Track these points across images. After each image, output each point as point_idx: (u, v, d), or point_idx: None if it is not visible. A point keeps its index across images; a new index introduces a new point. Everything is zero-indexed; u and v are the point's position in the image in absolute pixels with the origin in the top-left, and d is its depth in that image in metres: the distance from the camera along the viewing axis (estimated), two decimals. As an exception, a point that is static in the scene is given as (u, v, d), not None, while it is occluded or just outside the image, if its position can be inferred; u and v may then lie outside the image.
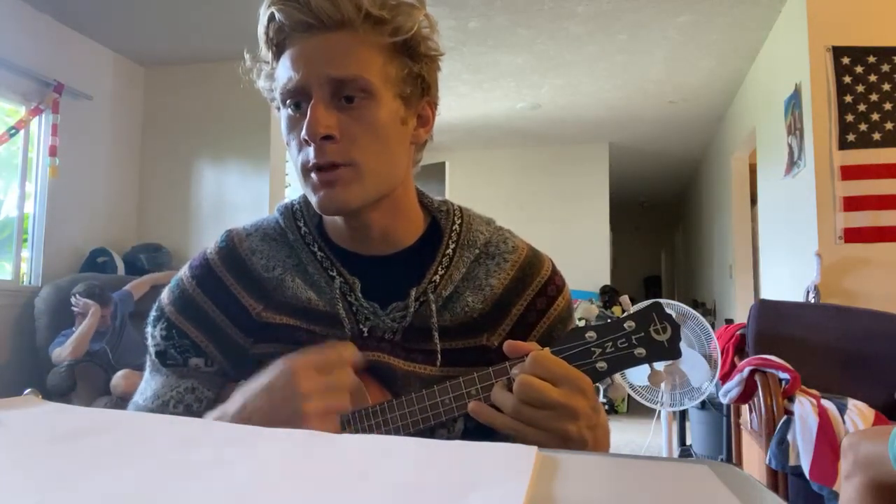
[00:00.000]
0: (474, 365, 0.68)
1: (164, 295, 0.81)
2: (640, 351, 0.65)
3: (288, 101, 0.70)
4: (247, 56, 0.75)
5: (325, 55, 0.68)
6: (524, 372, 0.61)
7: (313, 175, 0.70)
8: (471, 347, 0.77)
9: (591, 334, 0.66)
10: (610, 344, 0.65)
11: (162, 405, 0.77)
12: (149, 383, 0.80)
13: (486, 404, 0.63)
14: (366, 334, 0.76)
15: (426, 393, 0.69)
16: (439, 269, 0.77)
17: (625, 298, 2.75)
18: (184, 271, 0.81)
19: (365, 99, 0.68)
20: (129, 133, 4.26)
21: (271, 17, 0.69)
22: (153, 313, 0.81)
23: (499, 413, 0.62)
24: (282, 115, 0.73)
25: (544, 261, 0.82)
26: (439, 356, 0.75)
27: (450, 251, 0.78)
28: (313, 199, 0.71)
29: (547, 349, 0.65)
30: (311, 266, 0.78)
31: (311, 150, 0.68)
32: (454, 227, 0.80)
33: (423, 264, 0.78)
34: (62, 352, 3.11)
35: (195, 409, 0.77)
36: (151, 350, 0.80)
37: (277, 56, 0.71)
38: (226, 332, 0.77)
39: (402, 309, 0.76)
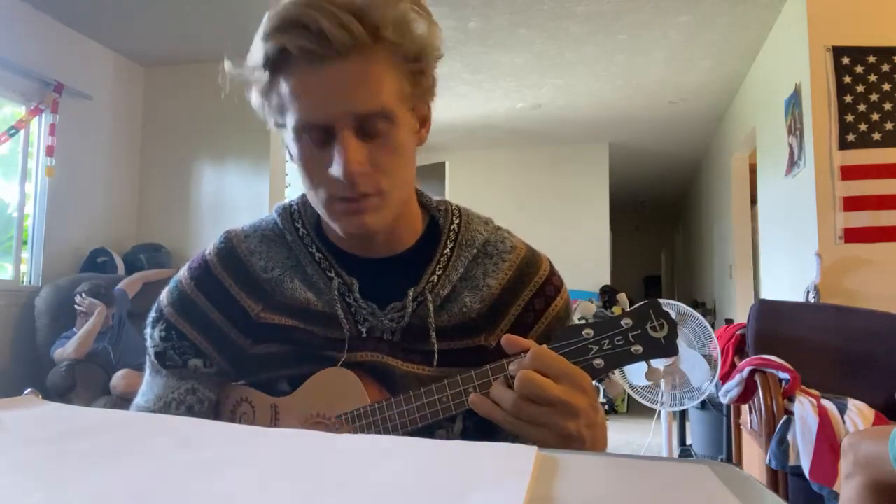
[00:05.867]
0: (472, 365, 0.68)
1: (163, 296, 0.81)
2: (637, 348, 0.65)
3: (304, 134, 0.68)
4: (227, 64, 0.72)
5: (346, 89, 0.65)
6: (525, 367, 0.60)
7: (339, 204, 0.69)
8: (469, 348, 0.76)
9: (588, 331, 0.66)
10: (607, 341, 0.65)
11: (164, 407, 0.77)
12: (150, 385, 0.80)
13: (486, 398, 0.63)
14: (364, 335, 0.76)
15: (424, 391, 0.69)
16: (437, 269, 0.77)
17: (622, 296, 2.76)
18: (182, 273, 0.81)
19: (388, 125, 0.67)
20: (129, 133, 4.25)
21: (280, 49, 0.65)
22: (152, 315, 0.81)
23: (498, 408, 0.61)
24: (292, 140, 0.70)
25: (542, 261, 0.82)
26: (436, 357, 0.75)
27: (448, 251, 0.78)
28: (337, 226, 0.71)
29: (545, 346, 0.64)
30: (309, 267, 0.78)
31: (339, 184, 0.67)
32: (452, 227, 0.80)
33: (421, 264, 0.78)
34: (65, 351, 3.11)
35: (197, 410, 0.77)
36: (151, 351, 0.80)
37: (275, 73, 0.68)
38: (225, 332, 0.78)
39: (399, 309, 0.76)
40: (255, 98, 0.72)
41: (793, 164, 3.22)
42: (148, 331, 0.81)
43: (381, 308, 0.76)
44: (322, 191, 0.69)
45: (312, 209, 0.79)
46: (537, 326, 0.79)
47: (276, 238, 0.80)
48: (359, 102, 0.65)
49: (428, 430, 0.72)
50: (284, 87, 0.67)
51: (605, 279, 6.16)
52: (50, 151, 3.55)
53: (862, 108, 2.83)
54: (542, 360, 0.61)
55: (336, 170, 0.66)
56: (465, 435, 0.76)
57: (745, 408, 2.40)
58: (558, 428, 0.59)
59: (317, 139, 0.67)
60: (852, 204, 2.82)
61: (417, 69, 0.70)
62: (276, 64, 0.67)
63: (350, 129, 0.66)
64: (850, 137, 2.84)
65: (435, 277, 0.77)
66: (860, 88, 2.84)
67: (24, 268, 3.62)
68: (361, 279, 0.77)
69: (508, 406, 0.59)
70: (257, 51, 0.67)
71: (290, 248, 0.79)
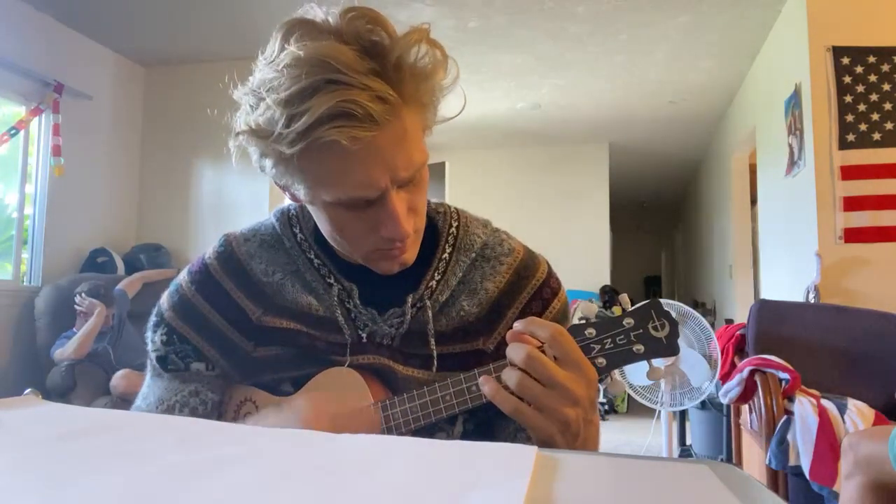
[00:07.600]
0: (470, 370, 0.68)
1: (164, 300, 0.81)
2: (639, 347, 0.65)
3: (341, 205, 0.67)
4: (249, 142, 0.69)
5: (391, 159, 0.63)
6: (544, 339, 0.60)
7: (380, 252, 0.70)
8: (467, 352, 0.76)
9: (590, 331, 0.66)
10: (609, 340, 0.65)
11: (167, 410, 0.77)
12: (151, 388, 0.80)
13: (494, 379, 0.61)
14: (364, 340, 0.76)
15: (427, 389, 0.69)
16: (436, 274, 0.77)
17: (624, 297, 2.74)
18: (183, 276, 0.81)
19: (420, 172, 0.68)
20: (129, 133, 4.25)
21: (332, 141, 0.60)
22: (153, 318, 0.81)
23: (503, 389, 0.60)
24: (319, 209, 0.69)
25: (540, 263, 0.81)
26: (435, 361, 0.75)
27: (446, 256, 0.78)
28: (376, 267, 0.72)
29: (564, 329, 0.62)
30: (308, 273, 0.78)
31: (385, 240, 0.68)
32: (451, 231, 0.80)
33: (419, 269, 0.77)
34: (65, 351, 3.11)
35: (200, 412, 0.78)
36: (152, 355, 0.80)
37: (305, 150, 0.63)
38: (226, 336, 0.78)
39: (399, 315, 0.76)
40: (267, 164, 0.69)
41: (793, 163, 3.22)
42: (148, 335, 0.80)
43: (381, 314, 0.76)
44: (363, 246, 0.70)
45: (311, 215, 0.79)
46: None
47: (274, 243, 0.80)
48: (403, 168, 0.65)
49: (428, 433, 0.72)
50: (317, 163, 0.64)
51: (605, 279, 6.16)
52: (57, 151, 3.55)
53: (862, 108, 2.83)
54: (558, 342, 0.60)
55: (389, 232, 0.66)
56: (465, 438, 0.75)
57: (745, 408, 2.40)
58: (557, 413, 0.58)
59: (355, 205, 0.66)
60: (852, 204, 2.82)
61: (436, 100, 0.68)
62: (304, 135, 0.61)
63: (395, 190, 0.65)
64: (850, 137, 2.84)
65: (434, 283, 0.77)
66: (860, 88, 2.84)
67: (24, 268, 3.62)
68: (360, 285, 0.77)
69: (513, 383, 0.59)
70: (286, 133, 0.61)
71: (288, 254, 0.79)
